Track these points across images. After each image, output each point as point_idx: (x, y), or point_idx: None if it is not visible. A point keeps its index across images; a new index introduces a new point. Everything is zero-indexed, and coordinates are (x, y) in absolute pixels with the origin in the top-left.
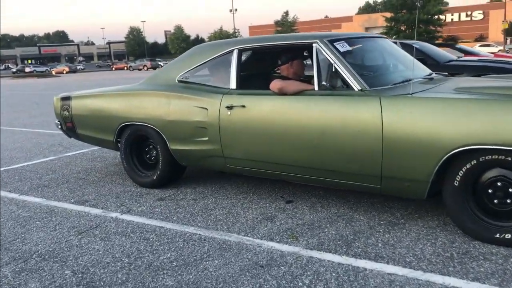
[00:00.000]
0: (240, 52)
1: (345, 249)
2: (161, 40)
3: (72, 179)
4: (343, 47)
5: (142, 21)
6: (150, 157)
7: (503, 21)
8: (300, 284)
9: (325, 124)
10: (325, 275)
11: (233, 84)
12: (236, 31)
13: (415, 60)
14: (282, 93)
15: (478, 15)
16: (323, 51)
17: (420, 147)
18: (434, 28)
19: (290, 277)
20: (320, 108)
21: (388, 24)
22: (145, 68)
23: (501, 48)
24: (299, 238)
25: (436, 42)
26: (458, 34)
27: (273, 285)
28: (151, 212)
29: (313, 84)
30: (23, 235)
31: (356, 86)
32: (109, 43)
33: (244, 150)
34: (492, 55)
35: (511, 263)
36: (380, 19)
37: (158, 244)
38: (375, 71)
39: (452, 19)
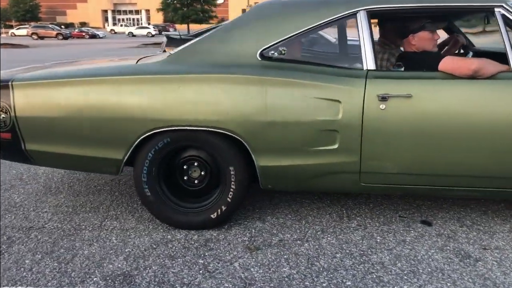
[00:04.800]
0: (369, 15)
1: None
2: None
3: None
4: None
5: None
6: (189, 181)
7: (248, 6)
8: None
9: None
10: None
11: (370, 64)
12: None
13: None
14: (476, 76)
15: None
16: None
17: None
18: (209, 8)
19: None
20: None
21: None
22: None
23: None
24: None
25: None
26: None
27: None
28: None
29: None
30: None
31: None
32: None
33: (403, 161)
34: None
35: None
36: None
37: None
38: None
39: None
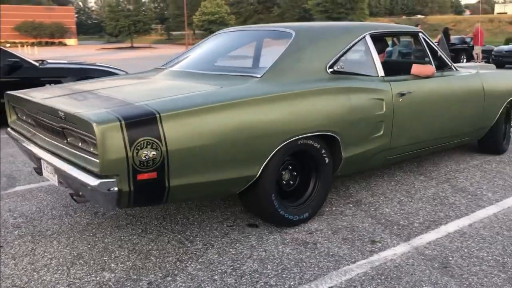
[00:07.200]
0: (370, 38)
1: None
2: None
3: None
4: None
5: None
6: (287, 183)
7: None
8: None
9: (467, 96)
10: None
11: (380, 71)
12: None
13: None
14: (431, 76)
15: None
16: (427, 40)
17: None
18: None
19: None
20: (460, 84)
21: None
22: None
23: None
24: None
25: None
26: None
27: None
28: None
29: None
30: None
31: (454, 68)
32: None
33: (409, 135)
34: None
35: None
36: None
37: None
38: None
39: None
